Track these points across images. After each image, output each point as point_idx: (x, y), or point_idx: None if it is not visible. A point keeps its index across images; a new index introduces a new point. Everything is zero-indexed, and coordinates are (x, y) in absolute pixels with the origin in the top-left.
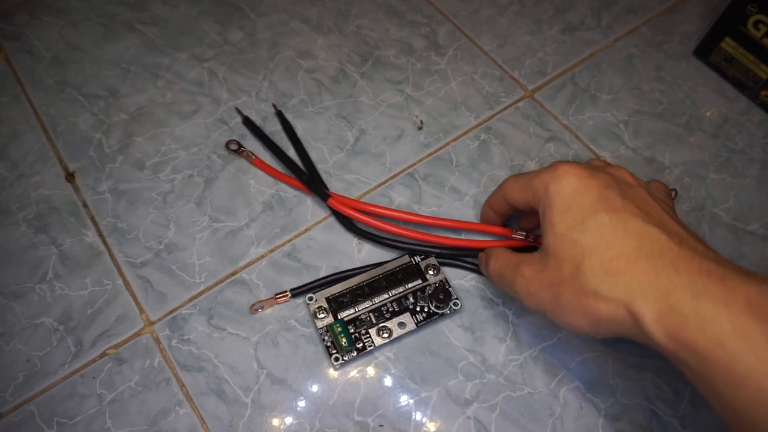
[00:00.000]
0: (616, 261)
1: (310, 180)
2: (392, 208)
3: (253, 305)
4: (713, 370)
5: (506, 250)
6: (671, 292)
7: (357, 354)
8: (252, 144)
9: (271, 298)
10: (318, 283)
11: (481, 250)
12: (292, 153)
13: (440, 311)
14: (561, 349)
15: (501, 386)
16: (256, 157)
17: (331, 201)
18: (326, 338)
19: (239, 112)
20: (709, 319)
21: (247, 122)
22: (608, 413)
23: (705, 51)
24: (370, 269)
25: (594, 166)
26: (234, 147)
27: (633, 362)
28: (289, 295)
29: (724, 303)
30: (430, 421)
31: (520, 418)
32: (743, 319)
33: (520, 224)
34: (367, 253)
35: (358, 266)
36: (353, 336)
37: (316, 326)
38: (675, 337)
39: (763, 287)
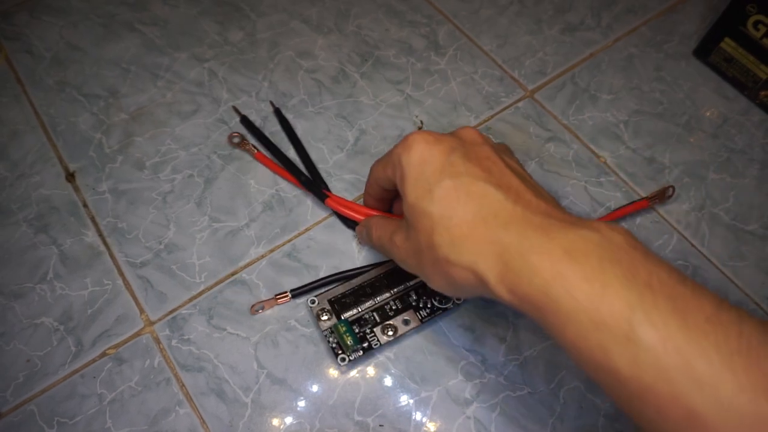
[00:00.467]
0: (460, 228)
1: (308, 181)
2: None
3: (253, 306)
4: (546, 317)
5: (384, 219)
6: (504, 251)
7: (363, 353)
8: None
9: (272, 298)
10: (318, 283)
11: None
12: (291, 152)
13: (443, 306)
14: (561, 349)
15: (501, 386)
16: (258, 151)
17: (328, 201)
18: (331, 340)
19: (237, 111)
20: (535, 271)
21: (245, 121)
22: (608, 413)
23: (705, 51)
24: (371, 269)
25: (441, 133)
26: (236, 140)
27: None
28: (290, 295)
29: (546, 253)
30: (430, 421)
31: (520, 418)
32: (561, 265)
33: (396, 209)
34: (367, 253)
35: (358, 266)
36: (358, 335)
37: (320, 329)
38: (514, 292)
39: (581, 231)
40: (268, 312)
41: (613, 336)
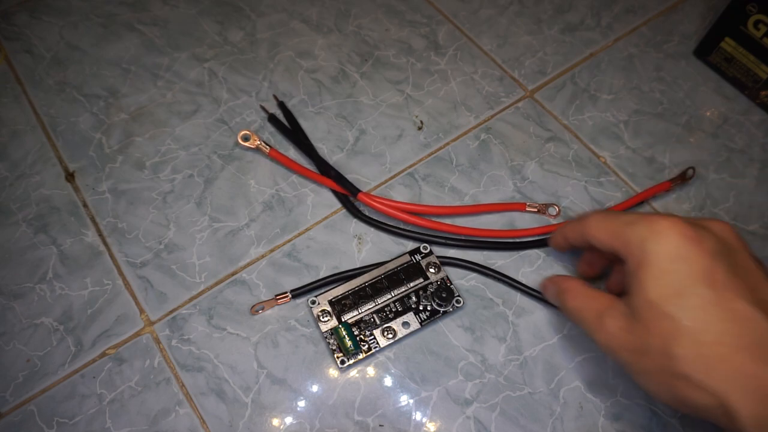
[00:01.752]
0: (714, 348)
1: (338, 175)
2: (412, 202)
3: (253, 306)
4: None
5: (585, 286)
6: None
7: (363, 357)
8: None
9: (272, 299)
10: (318, 283)
11: (506, 239)
12: (292, 152)
13: (443, 309)
14: (561, 349)
15: (501, 386)
16: (272, 148)
17: (361, 196)
18: (331, 341)
19: (278, 100)
20: None
21: (280, 114)
22: (608, 413)
23: (705, 51)
24: (371, 269)
25: (696, 224)
26: (247, 139)
27: None
28: (290, 296)
29: None
30: (430, 421)
31: (520, 418)
32: None
33: (590, 269)
34: (367, 253)
35: (358, 266)
36: (358, 338)
37: (320, 330)
38: None
39: None
40: (268, 312)
41: None
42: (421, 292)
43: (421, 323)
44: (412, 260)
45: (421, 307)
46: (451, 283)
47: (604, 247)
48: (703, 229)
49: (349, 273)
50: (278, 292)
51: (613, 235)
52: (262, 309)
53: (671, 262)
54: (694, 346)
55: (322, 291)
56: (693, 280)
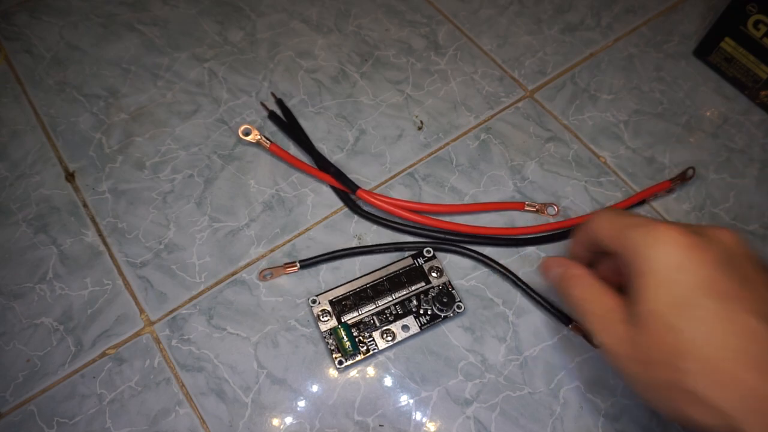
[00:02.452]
0: (721, 364)
1: (338, 172)
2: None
3: (261, 271)
4: None
5: (593, 278)
6: None
7: (362, 358)
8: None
9: (280, 266)
10: (327, 256)
11: (512, 236)
12: (292, 149)
13: (443, 314)
14: (561, 349)
15: (501, 386)
16: (272, 143)
17: (360, 193)
18: (330, 341)
19: (276, 98)
20: None
21: (278, 112)
22: (608, 413)
23: (705, 51)
24: (384, 247)
25: (698, 232)
26: (248, 133)
27: None
28: (298, 266)
29: None
30: (430, 421)
31: (520, 418)
32: None
33: (602, 272)
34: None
35: (369, 244)
36: (357, 339)
37: (320, 329)
38: None
39: None
40: (268, 311)
41: None
42: (422, 296)
43: (420, 327)
44: (414, 263)
45: (421, 311)
46: (453, 288)
47: (605, 247)
48: (705, 238)
49: (357, 249)
50: (288, 262)
51: (614, 237)
52: (271, 275)
53: (672, 271)
54: (700, 361)
55: (324, 291)
56: (696, 291)
